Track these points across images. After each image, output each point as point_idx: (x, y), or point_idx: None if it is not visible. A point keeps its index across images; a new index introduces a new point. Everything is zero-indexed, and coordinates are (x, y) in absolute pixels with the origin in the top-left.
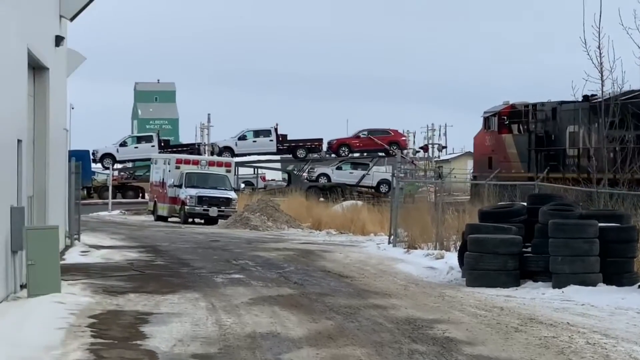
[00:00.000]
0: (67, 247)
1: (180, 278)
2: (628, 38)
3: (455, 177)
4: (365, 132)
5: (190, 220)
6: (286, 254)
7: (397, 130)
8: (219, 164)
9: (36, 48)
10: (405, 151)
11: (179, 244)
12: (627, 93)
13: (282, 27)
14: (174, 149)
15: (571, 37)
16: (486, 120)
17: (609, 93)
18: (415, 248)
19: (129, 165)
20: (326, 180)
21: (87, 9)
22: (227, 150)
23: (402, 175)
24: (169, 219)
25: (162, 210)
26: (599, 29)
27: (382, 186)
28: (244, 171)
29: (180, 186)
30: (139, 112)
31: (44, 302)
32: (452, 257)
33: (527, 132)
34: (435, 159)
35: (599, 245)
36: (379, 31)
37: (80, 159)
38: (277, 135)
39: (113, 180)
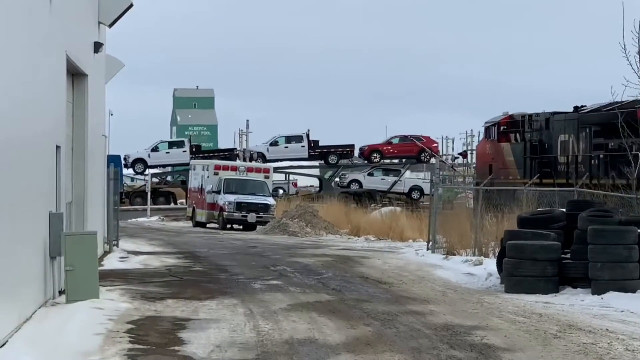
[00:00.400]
0: (105, 253)
1: (218, 284)
2: None
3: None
4: (397, 139)
5: (228, 226)
6: (324, 260)
7: (429, 137)
8: (258, 170)
9: (75, 54)
10: (444, 156)
11: (217, 250)
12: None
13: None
14: (206, 155)
15: (602, 43)
16: (487, 129)
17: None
18: (454, 254)
19: (168, 169)
20: (358, 187)
21: (125, 15)
22: (260, 156)
23: (441, 181)
24: (208, 225)
25: (201, 216)
26: (639, 34)
27: (413, 192)
28: (275, 177)
29: (218, 192)
30: (178, 118)
31: (82, 308)
32: (490, 264)
33: (523, 141)
34: (474, 165)
35: (639, 251)
36: (416, 39)
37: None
38: (309, 141)
39: (142, 186)
